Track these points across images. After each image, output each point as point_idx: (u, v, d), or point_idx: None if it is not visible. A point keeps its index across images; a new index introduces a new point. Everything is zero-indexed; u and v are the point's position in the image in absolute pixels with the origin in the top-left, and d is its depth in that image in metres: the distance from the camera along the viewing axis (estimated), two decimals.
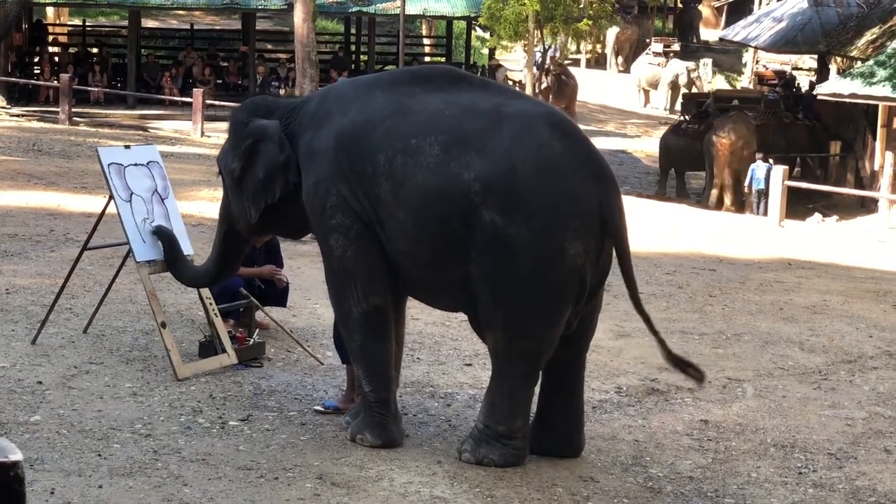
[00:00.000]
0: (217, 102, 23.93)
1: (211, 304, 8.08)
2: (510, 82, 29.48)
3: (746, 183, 21.41)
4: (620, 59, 39.51)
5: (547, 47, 28.43)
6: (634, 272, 6.58)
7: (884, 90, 19.86)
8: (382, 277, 6.59)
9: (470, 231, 6.26)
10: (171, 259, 7.82)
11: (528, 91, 25.91)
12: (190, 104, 23.97)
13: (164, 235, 7.88)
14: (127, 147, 8.46)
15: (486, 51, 33.10)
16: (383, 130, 6.48)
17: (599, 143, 6.99)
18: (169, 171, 8.62)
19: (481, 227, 6.24)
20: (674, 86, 34.04)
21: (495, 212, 6.21)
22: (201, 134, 23.09)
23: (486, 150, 6.28)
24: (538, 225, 6.19)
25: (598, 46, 41.58)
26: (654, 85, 35.20)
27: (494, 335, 6.41)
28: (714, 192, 22.60)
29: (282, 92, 25.72)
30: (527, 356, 6.40)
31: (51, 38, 30.61)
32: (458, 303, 6.63)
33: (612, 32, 38.47)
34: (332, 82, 20.64)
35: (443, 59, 32.08)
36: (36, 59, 28.41)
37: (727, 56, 39.71)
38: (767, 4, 36.42)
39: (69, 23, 34.75)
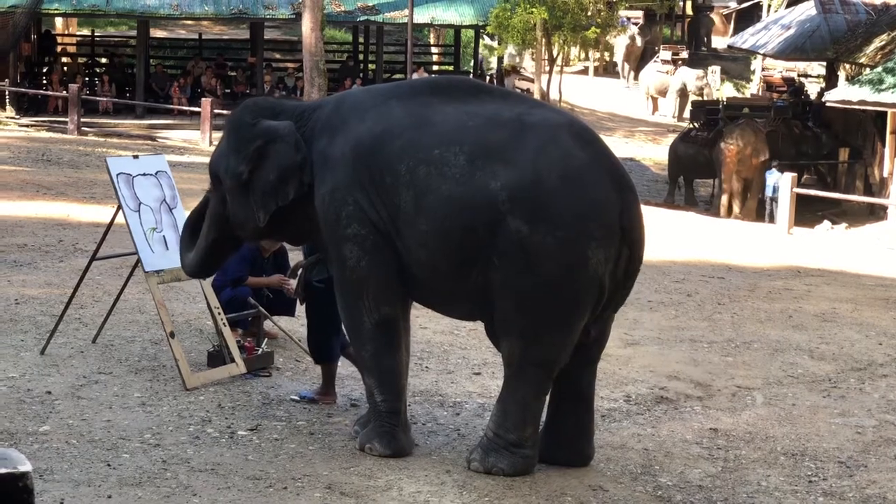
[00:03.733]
0: (225, 112, 23.91)
1: (219, 313, 8.09)
2: (519, 90, 29.43)
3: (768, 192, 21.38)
4: (628, 68, 39.39)
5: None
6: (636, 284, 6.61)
7: (893, 97, 19.83)
8: (395, 288, 6.59)
9: (494, 239, 6.27)
10: (185, 244, 7.35)
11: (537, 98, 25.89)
12: (198, 114, 24.05)
13: (191, 222, 7.35)
14: (135, 157, 8.49)
15: (494, 59, 33.10)
16: (404, 141, 6.46)
17: None
18: (177, 180, 8.63)
19: (506, 235, 6.24)
20: (682, 93, 34.00)
21: (521, 220, 6.22)
22: (210, 143, 23.12)
23: (511, 160, 6.30)
24: (563, 233, 6.21)
25: (606, 54, 41.50)
26: (663, 93, 35.15)
27: (510, 341, 6.41)
28: (724, 200, 22.55)
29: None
30: (541, 363, 6.40)
31: (59, 48, 30.64)
32: (474, 310, 6.62)
33: (622, 43, 38.37)
34: (342, 90, 20.66)
35: (451, 68, 32.10)
36: (45, 70, 28.46)
37: (735, 63, 39.60)
38: (776, 11, 36.37)
39: (78, 33, 34.82)
